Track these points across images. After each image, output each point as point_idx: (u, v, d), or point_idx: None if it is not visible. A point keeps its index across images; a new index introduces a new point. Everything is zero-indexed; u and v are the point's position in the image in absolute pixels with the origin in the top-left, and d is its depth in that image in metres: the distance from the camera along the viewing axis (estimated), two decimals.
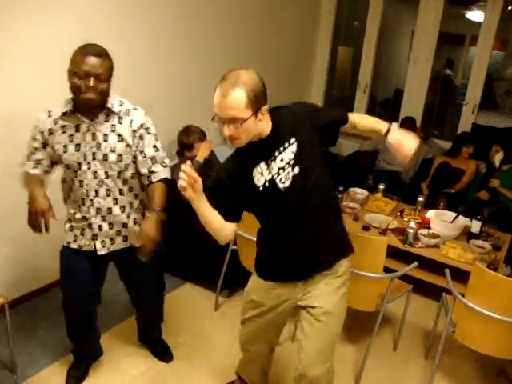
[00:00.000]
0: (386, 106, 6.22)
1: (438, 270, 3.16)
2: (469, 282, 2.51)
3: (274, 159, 1.86)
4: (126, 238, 2.39)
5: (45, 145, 2.20)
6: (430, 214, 3.77)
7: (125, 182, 2.28)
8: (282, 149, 1.86)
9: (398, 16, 5.99)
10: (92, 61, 1.97)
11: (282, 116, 1.89)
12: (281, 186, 1.87)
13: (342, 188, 4.02)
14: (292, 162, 1.85)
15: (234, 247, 3.25)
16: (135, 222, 2.39)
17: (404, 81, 5.70)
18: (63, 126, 2.16)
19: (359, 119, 2.11)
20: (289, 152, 1.85)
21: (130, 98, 2.31)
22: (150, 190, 2.30)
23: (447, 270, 2.75)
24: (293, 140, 1.86)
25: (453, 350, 3.15)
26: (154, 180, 2.28)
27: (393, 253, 3.62)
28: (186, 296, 3.56)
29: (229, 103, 1.68)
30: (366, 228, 3.66)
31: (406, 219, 3.84)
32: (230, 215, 1.90)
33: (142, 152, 2.24)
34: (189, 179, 1.65)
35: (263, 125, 1.81)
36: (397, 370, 3.01)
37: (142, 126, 2.22)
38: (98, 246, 2.34)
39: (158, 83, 3.87)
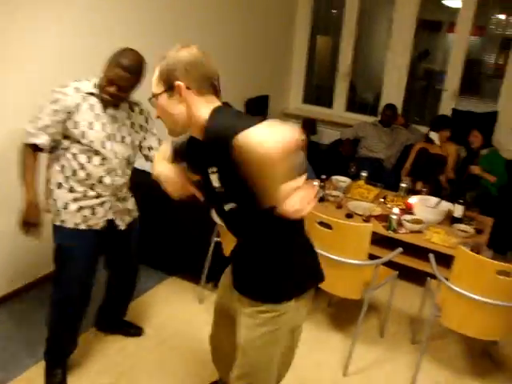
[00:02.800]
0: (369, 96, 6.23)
1: (422, 255, 3.18)
2: (453, 266, 2.52)
3: (209, 176, 1.59)
4: (130, 213, 2.58)
5: (66, 119, 2.23)
6: (413, 199, 3.78)
7: (130, 162, 2.46)
8: (210, 169, 1.57)
9: (376, 4, 5.98)
10: (121, 74, 2.15)
11: (214, 131, 1.48)
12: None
13: (324, 176, 4.01)
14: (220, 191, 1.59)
15: (218, 239, 3.23)
16: (132, 196, 2.61)
17: (383, 68, 5.71)
18: (91, 105, 2.26)
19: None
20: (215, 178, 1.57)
21: None
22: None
23: (431, 255, 2.76)
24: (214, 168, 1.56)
25: (438, 334, 3.18)
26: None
27: (377, 240, 3.63)
28: (171, 290, 3.52)
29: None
30: (349, 215, 3.65)
31: (389, 205, 3.84)
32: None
33: (149, 131, 2.50)
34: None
35: (183, 112, 1.54)
36: (384, 355, 3.02)
37: (148, 113, 2.49)
38: (119, 222, 2.50)
39: None
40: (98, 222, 2.40)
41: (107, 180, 2.34)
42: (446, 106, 5.36)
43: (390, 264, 3.05)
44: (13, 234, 2.92)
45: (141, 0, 3.73)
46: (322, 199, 3.86)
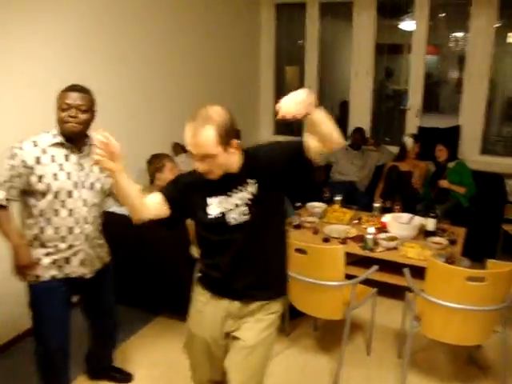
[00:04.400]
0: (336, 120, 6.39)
1: (401, 271, 3.27)
2: (426, 277, 2.61)
3: (231, 195, 1.90)
4: (102, 259, 2.57)
5: (28, 174, 2.25)
6: (387, 217, 3.90)
7: (101, 208, 2.50)
8: (240, 187, 1.89)
9: (336, 32, 6.23)
10: (73, 95, 2.23)
11: (249, 154, 1.93)
12: (231, 221, 1.89)
13: (299, 204, 4.12)
14: (248, 203, 1.88)
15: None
16: (104, 241, 2.61)
17: (349, 93, 5.91)
18: (52, 156, 2.28)
19: (311, 132, 1.83)
20: (247, 192, 1.88)
21: None
22: None
23: (406, 269, 2.86)
24: (253, 180, 1.89)
25: (423, 346, 3.26)
26: None
27: (356, 261, 3.74)
28: (158, 329, 3.55)
29: (200, 141, 1.75)
30: (326, 240, 3.75)
31: (364, 226, 3.95)
32: (168, 207, 1.96)
33: None
34: (105, 148, 1.68)
35: (235, 159, 1.87)
36: (372, 372, 3.08)
37: None
38: (86, 270, 2.46)
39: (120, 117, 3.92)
40: (74, 271, 2.41)
41: (77, 230, 2.36)
42: (412, 125, 5.55)
43: (369, 282, 3.14)
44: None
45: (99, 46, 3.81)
46: (298, 226, 3.95)
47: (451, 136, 5.22)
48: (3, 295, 3.21)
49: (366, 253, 3.56)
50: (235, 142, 1.83)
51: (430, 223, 3.75)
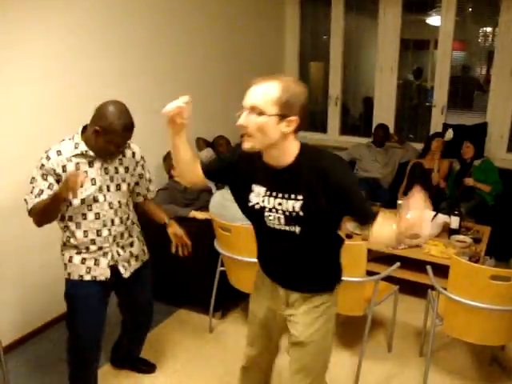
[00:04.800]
0: (359, 116, 6.38)
1: (423, 268, 3.25)
2: (449, 275, 2.60)
3: (275, 196, 1.76)
4: (138, 258, 2.59)
5: (57, 182, 2.26)
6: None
7: (129, 207, 2.52)
8: (286, 195, 1.73)
9: (361, 27, 6.18)
10: (127, 136, 2.26)
11: (307, 157, 1.71)
12: (267, 220, 1.81)
13: None
14: (286, 214, 1.74)
15: (222, 268, 3.32)
16: (138, 240, 2.61)
17: (374, 89, 5.87)
18: (77, 163, 2.29)
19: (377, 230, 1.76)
20: (290, 204, 1.73)
21: None
22: (149, 205, 2.67)
23: (429, 267, 2.84)
24: (301, 196, 1.71)
25: (446, 345, 3.25)
26: (150, 197, 2.65)
27: (377, 258, 3.73)
28: (180, 321, 3.61)
29: (257, 90, 1.61)
30: (348, 236, 3.74)
31: None
32: (210, 167, 1.94)
33: (143, 176, 2.56)
34: (178, 108, 1.67)
35: (284, 142, 1.66)
36: (393, 370, 3.08)
37: (142, 157, 2.54)
38: (122, 270, 2.50)
39: None
40: (102, 273, 2.43)
41: (105, 232, 2.39)
42: (437, 122, 5.49)
43: (391, 280, 3.13)
44: (21, 277, 3.04)
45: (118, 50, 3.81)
46: None
47: (478, 133, 5.15)
48: (33, 285, 3.30)
49: (389, 250, 3.55)
50: (295, 120, 1.62)
51: (454, 221, 3.71)
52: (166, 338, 3.39)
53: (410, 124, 6.01)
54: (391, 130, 5.57)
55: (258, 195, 1.80)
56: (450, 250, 3.45)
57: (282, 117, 1.60)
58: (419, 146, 5.29)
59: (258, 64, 5.58)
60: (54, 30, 3.24)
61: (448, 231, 3.76)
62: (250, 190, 1.82)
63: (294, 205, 1.72)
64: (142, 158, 2.54)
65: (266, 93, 1.59)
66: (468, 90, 5.80)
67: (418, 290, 3.58)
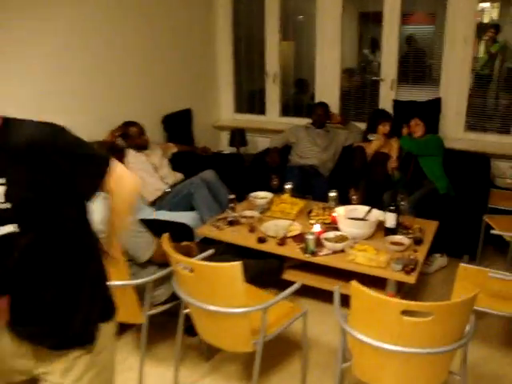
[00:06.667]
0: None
1: (350, 274, 2.57)
2: (350, 306, 1.89)
3: None
4: None
5: None
6: (338, 211, 3.17)
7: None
8: None
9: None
10: None
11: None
12: None
13: (232, 196, 3.40)
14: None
15: None
16: None
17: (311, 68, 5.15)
18: None
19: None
20: None
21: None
22: None
23: (336, 288, 2.15)
24: (2, 180, 1.22)
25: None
26: None
27: (297, 265, 3.10)
28: None
29: None
30: (262, 240, 3.05)
31: (312, 221, 3.24)
32: None
33: None
34: None
35: None
36: None
37: None
38: None
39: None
40: None
41: None
42: (386, 97, 4.79)
43: (306, 290, 2.45)
44: None
45: None
46: (232, 222, 3.25)
47: (430, 110, 4.48)
48: None
49: (307, 257, 2.86)
50: None
51: (389, 219, 3.02)
52: None
53: (357, 101, 5.25)
54: (336, 109, 4.88)
55: None
56: (382, 256, 2.76)
57: None
58: (364, 126, 4.58)
59: (187, 41, 4.92)
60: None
61: (384, 230, 3.08)
62: None
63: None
64: None
65: None
66: (419, 62, 5.07)
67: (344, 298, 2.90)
